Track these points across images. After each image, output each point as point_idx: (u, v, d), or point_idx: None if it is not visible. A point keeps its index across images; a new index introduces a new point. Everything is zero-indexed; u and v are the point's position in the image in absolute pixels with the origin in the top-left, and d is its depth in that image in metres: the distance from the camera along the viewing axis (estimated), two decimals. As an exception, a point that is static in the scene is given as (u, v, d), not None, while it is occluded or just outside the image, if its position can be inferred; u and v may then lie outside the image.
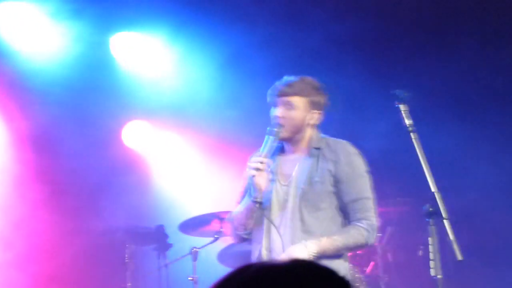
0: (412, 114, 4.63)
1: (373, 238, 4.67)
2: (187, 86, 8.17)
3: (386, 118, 7.35)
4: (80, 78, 7.61)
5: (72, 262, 7.59)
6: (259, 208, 4.71)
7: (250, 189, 4.75)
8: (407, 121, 4.58)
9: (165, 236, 7.40)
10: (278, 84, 4.74)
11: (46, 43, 7.53)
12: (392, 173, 7.72)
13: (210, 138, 8.16)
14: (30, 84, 7.46)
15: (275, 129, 4.69)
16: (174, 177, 8.58)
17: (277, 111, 4.70)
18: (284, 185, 4.75)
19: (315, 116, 4.74)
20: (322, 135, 4.84)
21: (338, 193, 4.67)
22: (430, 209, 4.30)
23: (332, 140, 4.79)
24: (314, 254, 4.50)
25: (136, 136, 8.45)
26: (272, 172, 4.78)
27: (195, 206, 8.00)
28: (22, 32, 7.45)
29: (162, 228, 7.43)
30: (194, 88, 8.12)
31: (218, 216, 6.89)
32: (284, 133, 4.70)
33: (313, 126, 4.78)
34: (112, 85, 7.95)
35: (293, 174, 4.74)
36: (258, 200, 4.67)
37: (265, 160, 4.66)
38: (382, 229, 7.48)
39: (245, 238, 4.91)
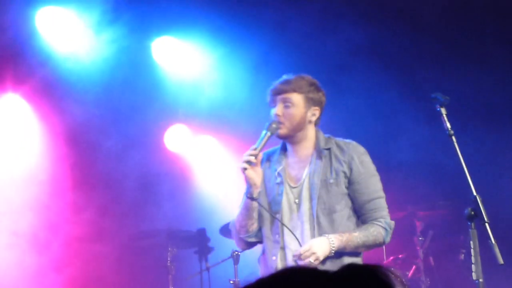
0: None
1: (390, 236, 4.63)
2: (226, 89, 8.20)
3: (423, 124, 7.36)
4: (122, 82, 7.66)
5: (113, 265, 7.62)
6: (256, 204, 4.63)
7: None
8: (448, 125, 4.55)
9: (207, 239, 7.42)
10: (275, 83, 4.69)
11: (87, 47, 7.59)
12: (433, 177, 7.71)
13: (251, 142, 8.16)
14: (71, 87, 7.51)
15: (274, 125, 4.59)
16: (215, 180, 8.61)
17: (276, 109, 4.62)
18: (294, 188, 4.67)
19: (315, 113, 4.67)
20: (327, 135, 4.76)
21: (352, 194, 4.61)
22: (472, 212, 4.27)
23: (340, 141, 4.73)
24: (335, 249, 4.45)
25: (178, 139, 8.50)
26: (279, 175, 4.70)
27: (236, 209, 8.01)
28: (64, 36, 7.51)
29: (204, 232, 7.44)
30: (233, 92, 8.15)
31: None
32: (283, 130, 4.61)
33: (314, 124, 4.70)
34: (153, 89, 8.01)
35: (304, 176, 4.66)
36: (254, 196, 4.60)
37: (257, 153, 4.56)
38: (424, 232, 7.46)
39: (249, 243, 4.83)
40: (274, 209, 4.66)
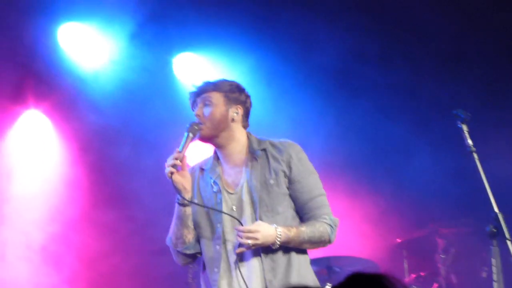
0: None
1: (335, 234, 4.41)
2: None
3: (448, 140, 7.32)
4: (142, 98, 7.68)
5: (133, 280, 7.64)
6: (189, 210, 4.42)
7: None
8: (469, 141, 4.52)
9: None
10: (195, 85, 4.60)
11: (108, 63, 7.64)
12: (455, 194, 7.66)
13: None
14: (92, 103, 7.55)
15: (194, 126, 4.43)
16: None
17: (196, 110, 4.50)
18: (232, 194, 4.45)
19: (238, 111, 4.51)
20: (260, 137, 4.58)
21: (293, 194, 4.42)
22: (493, 230, 4.24)
23: (275, 141, 4.53)
24: (280, 241, 4.24)
25: (197, 152, 8.50)
26: (215, 183, 4.48)
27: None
28: (85, 51, 7.57)
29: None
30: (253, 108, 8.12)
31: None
32: (205, 131, 4.45)
33: (243, 126, 4.55)
34: (173, 104, 8.00)
35: (241, 180, 4.45)
36: (184, 202, 4.40)
37: (182, 156, 4.35)
38: (445, 250, 7.42)
39: (188, 256, 4.56)
40: (214, 219, 4.43)
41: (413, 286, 7.10)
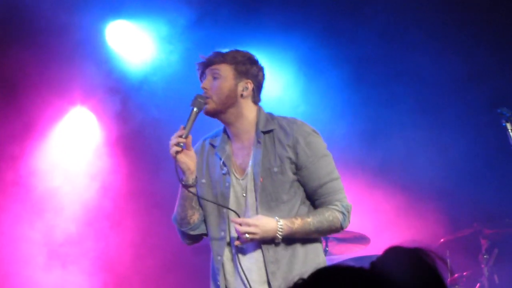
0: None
1: (348, 221, 4.18)
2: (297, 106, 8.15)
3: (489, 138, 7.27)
4: (187, 96, 7.70)
5: (174, 276, 7.69)
6: (193, 191, 4.21)
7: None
8: (514, 140, 4.50)
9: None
10: (205, 55, 4.33)
11: (154, 61, 7.70)
12: (499, 194, 7.62)
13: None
14: (137, 100, 7.63)
15: (199, 99, 4.20)
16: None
17: (204, 82, 4.26)
18: (241, 180, 4.21)
19: (248, 86, 4.24)
20: (269, 113, 4.33)
21: (302, 180, 4.17)
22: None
23: (284, 120, 4.24)
24: (282, 235, 4.03)
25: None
26: (224, 164, 4.23)
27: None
28: (132, 49, 7.65)
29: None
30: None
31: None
32: (211, 105, 4.19)
33: (253, 102, 4.29)
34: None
35: (249, 165, 4.19)
36: (189, 182, 4.20)
37: (187, 133, 4.16)
38: (489, 250, 7.38)
39: (194, 236, 4.36)
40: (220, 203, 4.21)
41: (456, 286, 7.08)
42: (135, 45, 7.64)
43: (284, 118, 4.28)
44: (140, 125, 7.64)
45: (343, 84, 7.83)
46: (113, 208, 7.61)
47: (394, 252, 1.74)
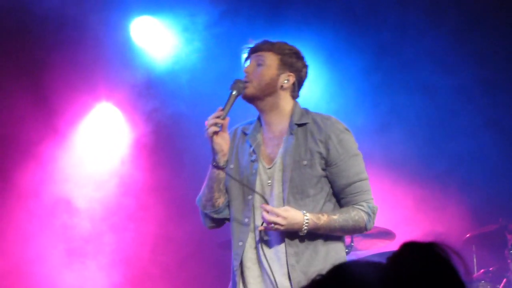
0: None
1: (373, 222, 4.15)
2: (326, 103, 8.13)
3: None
4: (211, 92, 7.72)
5: (200, 269, 7.72)
6: (223, 174, 4.21)
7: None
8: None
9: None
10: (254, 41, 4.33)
11: (178, 56, 7.72)
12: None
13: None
14: (162, 95, 7.66)
15: (239, 83, 4.20)
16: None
17: (247, 66, 4.27)
18: (268, 168, 4.20)
19: (289, 79, 4.23)
20: (305, 108, 4.31)
21: (330, 177, 4.15)
22: None
23: (318, 116, 4.24)
24: (307, 229, 4.00)
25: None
26: (254, 151, 4.23)
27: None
28: (156, 45, 7.68)
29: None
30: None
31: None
32: (250, 89, 4.19)
33: (291, 96, 4.27)
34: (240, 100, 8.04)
35: (278, 155, 4.18)
36: (220, 164, 4.20)
37: (224, 115, 4.14)
38: (516, 245, 7.36)
39: (216, 220, 4.35)
40: (246, 189, 4.20)
41: (482, 281, 7.05)
42: (159, 40, 7.67)
43: (319, 114, 4.28)
44: (163, 120, 7.66)
45: (362, 74, 7.84)
46: (134, 203, 7.65)
47: (409, 247, 1.73)
